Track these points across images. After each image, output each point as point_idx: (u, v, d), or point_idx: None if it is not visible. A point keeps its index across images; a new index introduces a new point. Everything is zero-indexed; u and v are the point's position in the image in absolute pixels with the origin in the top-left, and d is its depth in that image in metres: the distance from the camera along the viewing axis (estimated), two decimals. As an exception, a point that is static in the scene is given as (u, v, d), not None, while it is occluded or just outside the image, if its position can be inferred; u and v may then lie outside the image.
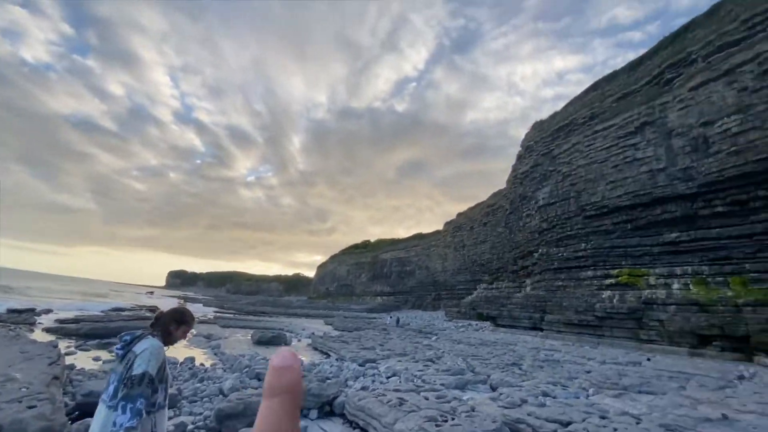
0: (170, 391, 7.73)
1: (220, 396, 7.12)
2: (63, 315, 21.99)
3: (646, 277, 24.93)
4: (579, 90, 41.98)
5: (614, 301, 24.97)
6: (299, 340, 19.07)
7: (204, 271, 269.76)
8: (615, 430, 5.79)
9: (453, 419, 5.42)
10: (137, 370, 2.04)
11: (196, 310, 38.40)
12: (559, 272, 33.31)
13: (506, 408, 6.69)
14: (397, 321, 40.67)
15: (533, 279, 36.59)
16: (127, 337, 2.20)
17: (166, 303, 50.59)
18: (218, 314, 37.14)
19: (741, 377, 14.20)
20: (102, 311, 26.27)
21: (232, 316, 35.96)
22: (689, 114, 22.99)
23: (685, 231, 23.78)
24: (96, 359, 10.79)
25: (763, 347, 17.98)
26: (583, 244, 31.49)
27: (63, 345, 11.90)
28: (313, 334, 21.62)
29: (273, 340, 16.62)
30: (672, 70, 26.47)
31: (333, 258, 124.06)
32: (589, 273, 29.54)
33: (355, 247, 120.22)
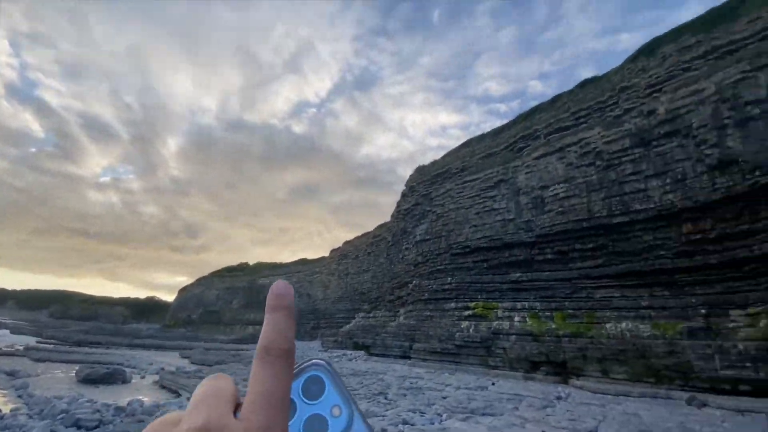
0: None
1: (12, 456, 5.51)
2: None
3: (495, 310, 28.93)
4: (456, 144, 48.43)
5: (470, 330, 28.18)
6: (143, 377, 16.14)
7: (19, 288, 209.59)
8: (458, 452, 6.41)
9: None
10: None
11: (-4, 340, 29.70)
12: (428, 303, 36.20)
13: (366, 440, 6.81)
14: None
15: (406, 309, 38.93)
16: None
17: (-54, 331, 37.10)
18: (31, 345, 29.06)
19: (559, 397, 17.35)
20: None
21: (52, 347, 28.59)
22: (532, 178, 28.48)
23: (525, 272, 28.67)
24: None
25: (575, 371, 22.41)
26: (449, 278, 35.10)
27: None
28: (162, 369, 18.57)
29: (106, 377, 13.65)
30: (523, 141, 32.73)
31: (201, 280, 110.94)
32: (452, 305, 32.88)
33: (230, 269, 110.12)
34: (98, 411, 7.83)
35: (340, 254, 68.55)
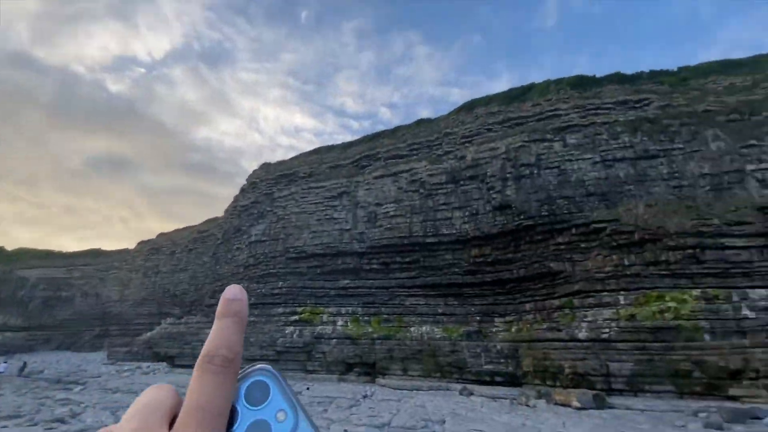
0: None
1: None
2: None
3: (321, 315, 29.82)
4: (308, 147, 48.53)
5: (294, 336, 28.15)
6: None
7: None
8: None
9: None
10: None
11: None
12: (254, 308, 34.41)
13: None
14: (22, 367, 28.56)
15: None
16: None
17: None
18: None
19: (365, 396, 19.01)
20: None
21: None
22: (370, 194, 31.08)
23: (353, 279, 30.70)
24: None
25: (382, 371, 25.01)
26: (280, 283, 34.36)
27: None
28: None
29: None
30: (366, 160, 35.46)
31: None
32: (280, 309, 32.24)
33: (-30, 254, 78.45)
34: None
35: (151, 248, 58.19)
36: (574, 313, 20.04)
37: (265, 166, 46.13)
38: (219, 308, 0.32)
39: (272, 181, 42.07)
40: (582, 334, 18.41)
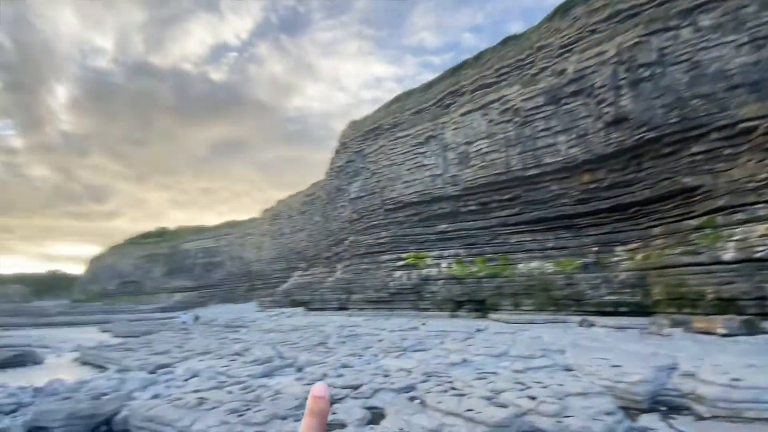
0: None
1: None
2: None
3: (425, 259, 31.06)
4: (390, 98, 47.78)
5: (403, 279, 30.10)
6: (59, 356, 14.91)
7: None
8: (392, 383, 7.25)
9: (257, 405, 5.61)
10: None
11: None
12: (364, 257, 37.48)
13: (309, 385, 7.34)
14: (195, 318, 37.03)
15: (343, 264, 39.95)
16: None
17: None
18: None
19: (479, 330, 19.78)
20: None
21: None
22: (458, 134, 29.78)
23: (451, 223, 30.82)
24: None
25: (493, 307, 25.45)
26: (383, 233, 36.43)
27: None
28: (79, 346, 17.25)
29: (14, 361, 12.36)
30: (450, 97, 33.58)
31: (115, 249, 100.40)
32: (386, 257, 34.50)
33: (147, 235, 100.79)
34: (13, 394, 7.29)
35: (273, 214, 66.55)
36: (718, 232, 17.02)
37: (353, 125, 47.35)
38: (309, 405, 0.37)
39: (360, 139, 43.25)
40: (728, 256, 15.69)
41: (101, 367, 11.75)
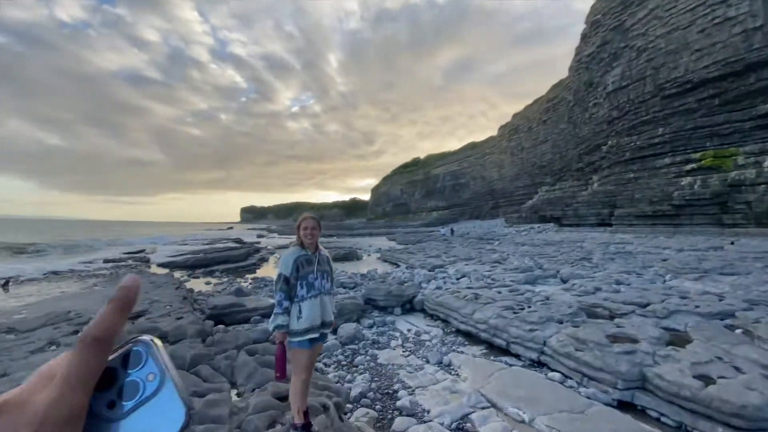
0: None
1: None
2: (170, 252, 25.84)
3: (734, 158, 22.24)
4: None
5: (695, 187, 22.97)
6: (369, 255, 20.65)
7: (271, 205, 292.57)
8: (697, 306, 5.84)
9: (529, 307, 5.82)
10: (276, 272, 2.68)
11: (273, 242, 42.48)
12: (630, 163, 30.86)
13: (580, 296, 6.96)
14: (451, 231, 41.83)
15: (601, 174, 34.43)
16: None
17: (247, 235, 56.41)
18: (293, 241, 40.89)
19: None
20: (200, 246, 30.57)
21: (303, 241, 39.50)
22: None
23: (793, 97, 20.19)
24: (207, 283, 12.81)
25: None
26: (660, 129, 28.31)
27: (178, 275, 14.15)
28: (380, 249, 23.15)
29: (347, 256, 18.25)
30: None
31: (385, 179, 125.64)
32: (666, 160, 26.99)
33: (405, 166, 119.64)
34: (351, 277, 10.57)
35: (510, 129, 63.82)
36: None
37: (606, -6, 36.87)
38: (116, 292, 0.36)
39: (619, 9, 33.31)
40: None
41: (395, 264, 15.37)
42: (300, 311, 2.55)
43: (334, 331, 6.21)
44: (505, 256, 13.67)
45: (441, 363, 4.94)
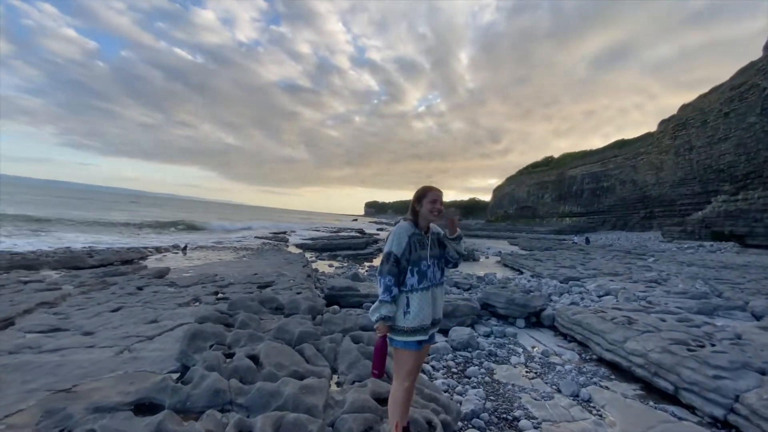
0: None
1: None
2: (303, 235, 29.39)
3: None
4: None
5: None
6: (487, 257, 19.37)
7: (391, 201, 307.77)
8: None
9: (713, 345, 4.28)
10: (384, 251, 2.20)
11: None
12: None
13: (797, 342, 4.89)
14: (587, 240, 36.43)
15: (822, 182, 25.34)
16: (394, 222, 2.37)
17: (368, 227, 60.36)
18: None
19: None
20: (329, 233, 34.10)
21: (420, 237, 39.92)
22: None
23: None
24: (330, 266, 13.79)
25: None
26: None
27: (308, 255, 15.62)
28: (500, 252, 21.53)
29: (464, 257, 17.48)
30: None
31: (510, 179, 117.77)
32: None
33: (535, 165, 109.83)
34: (466, 278, 9.88)
35: (676, 124, 52.21)
36: None
37: None
38: None
39: None
40: None
41: (518, 271, 13.95)
42: (408, 305, 2.08)
43: (445, 332, 5.72)
44: (666, 276, 10.94)
45: (578, 396, 3.97)
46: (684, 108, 52.83)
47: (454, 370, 4.55)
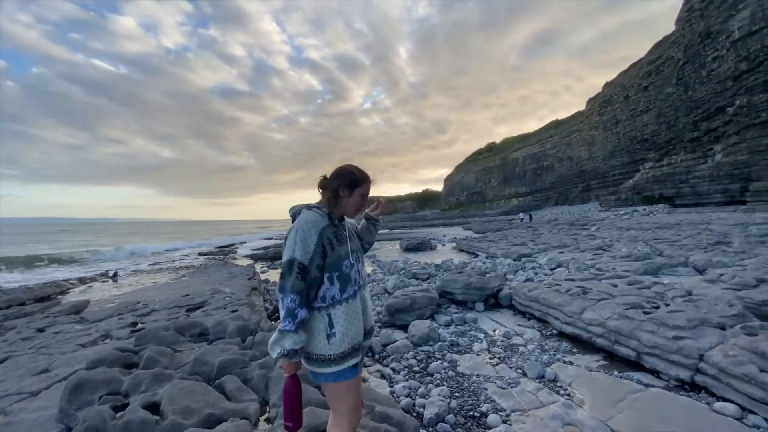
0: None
1: (386, 294, 7.47)
2: (254, 245, 27.76)
3: None
4: None
5: None
6: (443, 245, 19.46)
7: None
8: None
9: (667, 305, 4.26)
10: (283, 258, 1.55)
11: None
12: (771, 126, 24.80)
13: (738, 289, 5.08)
14: (530, 217, 38.34)
15: (726, 143, 28.39)
16: (292, 213, 1.73)
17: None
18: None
19: None
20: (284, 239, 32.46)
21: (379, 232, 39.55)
22: None
23: None
24: (282, 274, 12.97)
25: None
26: (818, 78, 22.12)
27: (258, 266, 14.61)
28: (455, 238, 21.77)
29: (419, 246, 17.28)
30: None
31: (458, 168, 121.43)
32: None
33: (480, 152, 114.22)
34: (424, 268, 9.63)
35: (602, 101, 56.43)
36: None
37: None
38: None
39: (751, -68, 26.93)
40: None
41: (473, 254, 14.02)
42: (331, 324, 1.53)
43: (404, 328, 5.35)
44: (609, 243, 11.45)
45: (543, 377, 3.74)
46: (607, 85, 57.17)
47: (416, 368, 4.16)
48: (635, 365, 3.81)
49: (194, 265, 16.96)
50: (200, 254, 23.22)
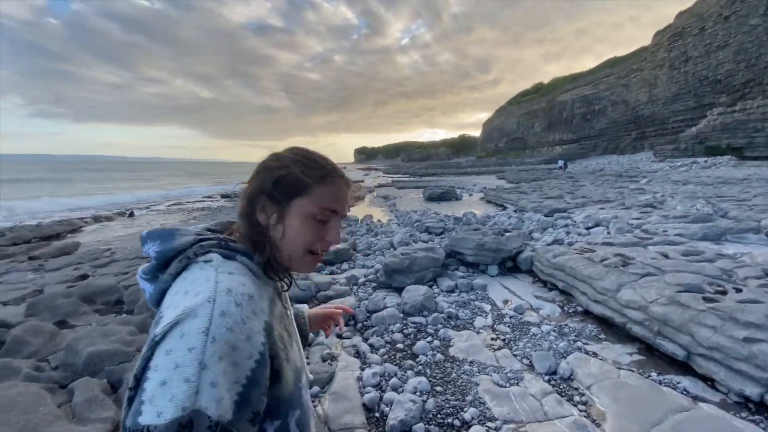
0: (343, 246, 6.82)
1: (391, 249, 6.75)
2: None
3: None
4: None
5: None
6: (470, 195, 18.24)
7: (381, 145, 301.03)
8: None
9: (738, 290, 3.19)
10: (144, 387, 0.46)
11: (376, 180, 42.60)
12: None
13: (839, 271, 3.84)
14: (564, 165, 35.67)
15: (826, 83, 23.73)
16: (156, 249, 0.62)
17: (355, 174, 58.34)
18: (395, 179, 40.23)
19: None
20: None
21: (407, 179, 38.34)
22: None
23: None
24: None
25: None
26: None
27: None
28: (484, 188, 20.38)
29: (443, 195, 16.22)
30: None
31: (499, 111, 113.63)
32: None
33: (525, 94, 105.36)
34: (441, 221, 8.75)
35: (672, 35, 48.77)
36: None
37: None
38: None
39: None
40: None
41: (501, 206, 12.86)
42: None
43: (399, 291, 4.63)
44: (661, 198, 9.87)
45: (555, 374, 2.93)
46: (680, 15, 49.07)
47: (399, 345, 3.48)
48: (683, 366, 2.90)
49: (211, 207, 16.99)
50: (222, 196, 23.46)
